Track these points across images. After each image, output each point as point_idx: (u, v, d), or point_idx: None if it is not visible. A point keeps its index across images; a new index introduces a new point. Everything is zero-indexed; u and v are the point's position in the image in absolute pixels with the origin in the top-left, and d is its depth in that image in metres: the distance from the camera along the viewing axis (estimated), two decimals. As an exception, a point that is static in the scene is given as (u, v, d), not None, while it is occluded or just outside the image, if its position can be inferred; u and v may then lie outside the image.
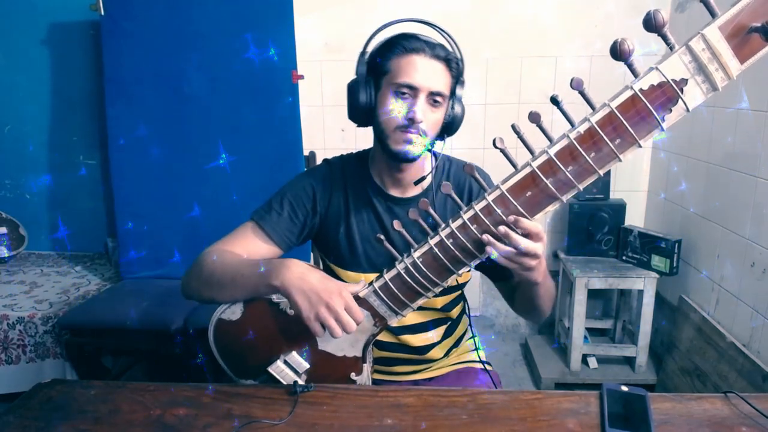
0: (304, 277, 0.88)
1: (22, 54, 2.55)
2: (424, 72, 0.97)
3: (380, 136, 1.02)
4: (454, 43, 1.04)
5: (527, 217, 0.82)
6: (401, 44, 0.98)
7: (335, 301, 0.87)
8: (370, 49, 1.04)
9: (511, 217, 0.81)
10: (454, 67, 1.01)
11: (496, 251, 0.82)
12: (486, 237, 0.82)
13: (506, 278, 1.12)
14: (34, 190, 2.71)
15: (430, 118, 0.99)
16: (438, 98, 0.98)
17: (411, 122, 0.97)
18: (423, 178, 1.07)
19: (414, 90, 0.97)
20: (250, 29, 2.12)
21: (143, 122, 2.20)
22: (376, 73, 1.02)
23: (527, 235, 0.82)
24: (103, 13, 2.17)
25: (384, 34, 1.03)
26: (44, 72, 2.56)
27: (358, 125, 1.07)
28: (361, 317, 0.90)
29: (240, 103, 2.17)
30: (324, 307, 0.86)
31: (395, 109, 0.98)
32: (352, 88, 1.03)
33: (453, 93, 1.03)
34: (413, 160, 1.01)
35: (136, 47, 2.18)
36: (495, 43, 2.45)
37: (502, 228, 0.81)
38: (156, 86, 2.18)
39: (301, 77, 2.16)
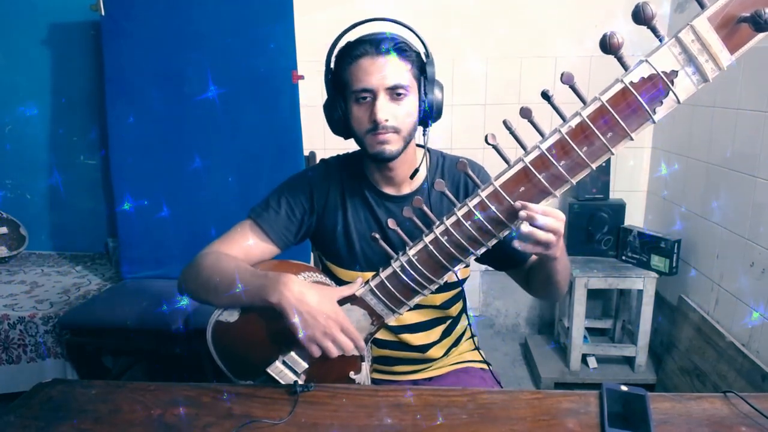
0: (302, 299, 0.89)
1: (23, 54, 2.56)
2: (373, 72, 0.97)
3: (358, 143, 1.05)
4: (409, 28, 1.04)
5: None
6: (348, 53, 1.00)
7: (332, 326, 0.89)
8: (332, 65, 1.05)
9: (518, 203, 0.81)
10: (409, 54, 1.00)
11: (523, 228, 0.81)
12: (519, 203, 0.81)
13: (517, 265, 1.12)
14: (35, 190, 2.71)
15: (398, 113, 0.99)
16: (399, 90, 0.98)
17: (376, 124, 0.97)
18: (416, 171, 1.07)
19: (371, 92, 0.98)
20: (250, 29, 2.12)
21: (144, 122, 2.21)
22: (340, 88, 1.03)
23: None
24: (103, 13, 2.17)
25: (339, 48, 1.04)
26: (45, 72, 2.57)
27: (345, 138, 1.09)
28: (359, 337, 0.93)
29: (240, 103, 2.17)
30: (320, 332, 0.89)
31: (359, 115, 1.00)
32: (324, 109, 1.07)
33: (424, 78, 1.02)
34: (392, 158, 1.01)
35: (137, 48, 2.18)
36: (495, 43, 2.44)
37: (524, 212, 0.81)
38: (156, 86, 2.18)
39: (302, 77, 2.16)
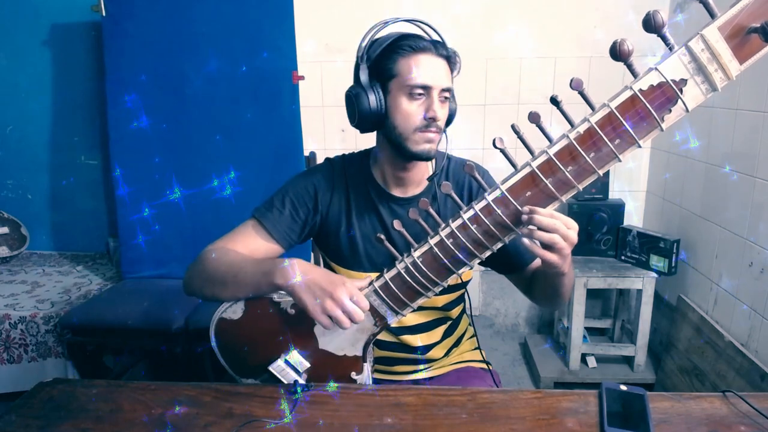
0: (307, 274, 0.89)
1: (24, 55, 2.56)
2: (434, 70, 0.98)
3: (397, 140, 1.01)
4: (442, 38, 1.05)
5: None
6: (407, 45, 0.98)
7: (339, 291, 0.86)
8: (368, 54, 1.02)
9: (526, 208, 0.81)
10: (453, 64, 1.02)
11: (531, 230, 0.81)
12: (528, 208, 0.81)
13: (517, 270, 1.12)
14: (36, 190, 2.72)
15: (443, 114, 1.01)
16: (447, 94, 1.00)
17: (431, 121, 0.98)
18: (434, 175, 1.10)
19: (428, 89, 0.98)
20: (250, 30, 2.13)
21: (144, 123, 2.21)
22: (381, 78, 1.01)
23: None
24: (104, 14, 2.17)
25: (379, 38, 1.03)
26: (46, 73, 2.57)
27: (363, 131, 1.05)
28: (367, 304, 0.89)
29: (241, 104, 2.18)
30: (329, 300, 0.86)
31: (412, 111, 0.99)
32: (357, 96, 1.00)
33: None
34: (432, 157, 1.03)
35: (138, 48, 2.18)
36: (494, 43, 2.45)
37: (526, 217, 0.81)
38: (157, 87, 2.19)
39: (302, 78, 2.16)
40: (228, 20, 2.14)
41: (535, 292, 1.11)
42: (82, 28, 2.49)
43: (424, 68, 0.97)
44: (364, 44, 1.01)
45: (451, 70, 1.02)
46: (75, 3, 2.40)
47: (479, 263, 0.99)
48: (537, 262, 1.09)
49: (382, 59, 1.00)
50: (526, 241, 0.83)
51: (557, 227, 0.81)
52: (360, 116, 1.01)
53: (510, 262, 1.11)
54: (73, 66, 2.57)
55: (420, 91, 0.98)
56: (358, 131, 1.06)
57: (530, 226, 0.81)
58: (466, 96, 2.50)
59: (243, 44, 2.13)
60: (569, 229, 0.83)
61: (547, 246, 0.83)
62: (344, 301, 0.86)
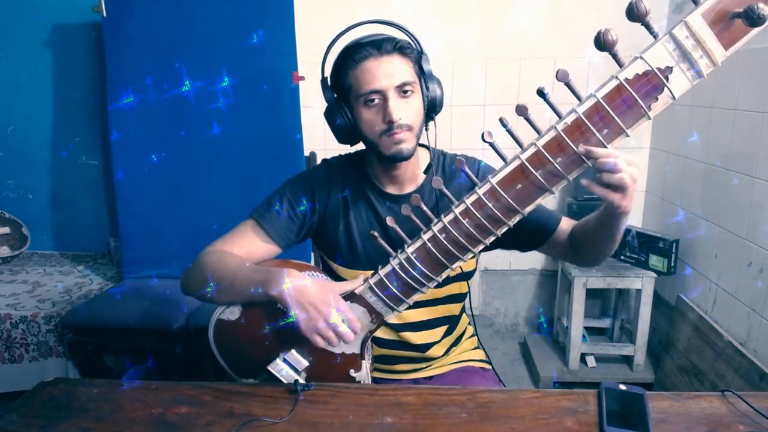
0: (302, 290, 0.90)
1: (25, 55, 2.56)
2: (380, 73, 0.97)
3: (371, 147, 1.04)
4: (397, 26, 1.05)
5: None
6: (350, 57, 1.00)
7: (333, 315, 0.90)
8: (328, 73, 1.06)
9: (582, 148, 0.78)
10: (409, 51, 1.01)
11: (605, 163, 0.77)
12: (583, 148, 0.77)
13: (547, 238, 1.09)
14: (37, 190, 2.72)
15: (408, 110, 0.99)
16: (406, 87, 0.99)
17: (391, 124, 0.98)
18: (430, 166, 1.11)
19: (380, 93, 0.98)
20: (251, 31, 2.13)
21: (144, 123, 2.21)
22: (343, 93, 1.04)
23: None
24: (105, 14, 2.17)
25: (337, 53, 1.05)
26: (47, 73, 2.57)
27: (351, 145, 1.10)
28: (359, 325, 0.94)
29: (241, 104, 2.18)
30: (323, 322, 0.90)
31: (371, 118, 1.00)
32: (328, 117, 1.06)
33: (423, 73, 1.04)
34: (409, 157, 1.02)
35: (138, 49, 2.18)
36: (494, 44, 2.45)
37: (583, 149, 0.78)
38: (157, 87, 2.19)
39: (302, 78, 2.16)
40: (228, 20, 2.14)
41: (581, 248, 1.05)
42: (82, 28, 2.49)
43: (369, 75, 0.97)
44: (323, 63, 1.05)
45: (412, 59, 1.01)
46: (75, 3, 2.41)
47: (505, 248, 0.98)
48: (566, 222, 1.08)
49: (339, 75, 1.03)
50: (584, 182, 0.81)
51: (619, 166, 0.77)
52: (337, 133, 1.06)
53: (535, 236, 1.09)
54: (73, 66, 2.57)
55: (373, 97, 0.98)
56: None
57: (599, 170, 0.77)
58: (466, 96, 2.51)
59: (243, 44, 2.13)
60: (629, 165, 0.79)
61: (611, 186, 0.79)
62: (338, 323, 0.91)
